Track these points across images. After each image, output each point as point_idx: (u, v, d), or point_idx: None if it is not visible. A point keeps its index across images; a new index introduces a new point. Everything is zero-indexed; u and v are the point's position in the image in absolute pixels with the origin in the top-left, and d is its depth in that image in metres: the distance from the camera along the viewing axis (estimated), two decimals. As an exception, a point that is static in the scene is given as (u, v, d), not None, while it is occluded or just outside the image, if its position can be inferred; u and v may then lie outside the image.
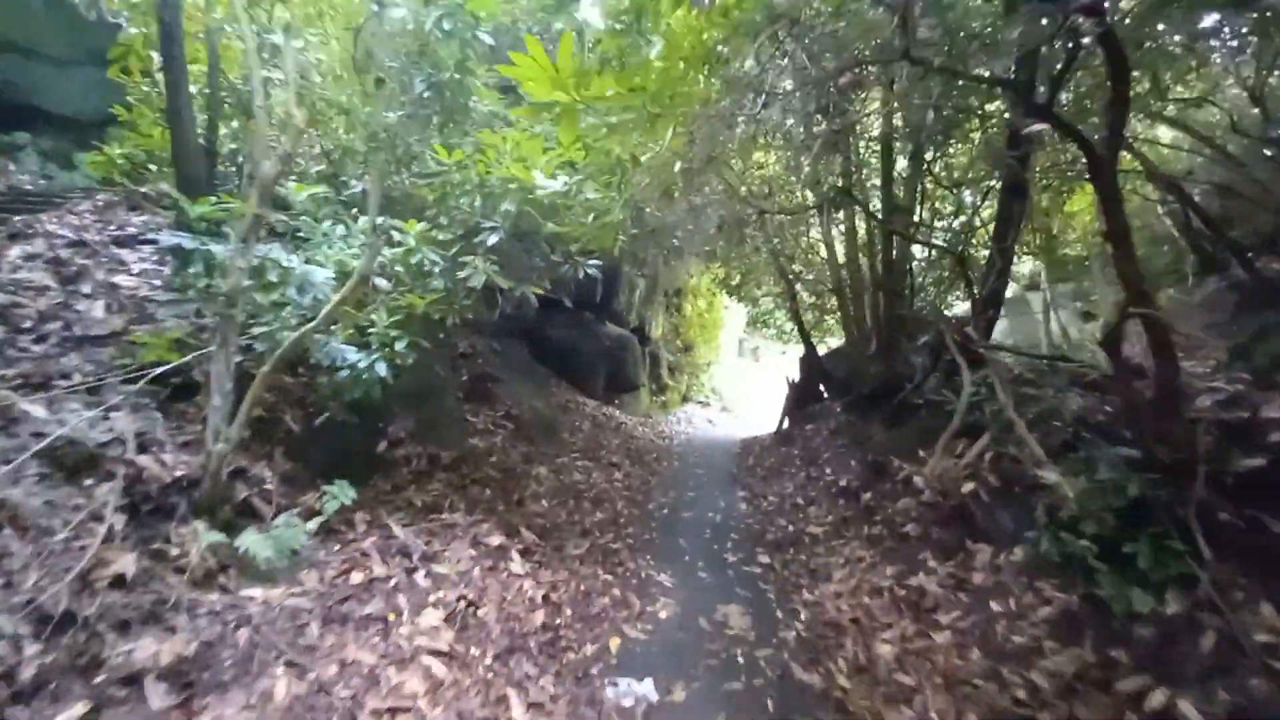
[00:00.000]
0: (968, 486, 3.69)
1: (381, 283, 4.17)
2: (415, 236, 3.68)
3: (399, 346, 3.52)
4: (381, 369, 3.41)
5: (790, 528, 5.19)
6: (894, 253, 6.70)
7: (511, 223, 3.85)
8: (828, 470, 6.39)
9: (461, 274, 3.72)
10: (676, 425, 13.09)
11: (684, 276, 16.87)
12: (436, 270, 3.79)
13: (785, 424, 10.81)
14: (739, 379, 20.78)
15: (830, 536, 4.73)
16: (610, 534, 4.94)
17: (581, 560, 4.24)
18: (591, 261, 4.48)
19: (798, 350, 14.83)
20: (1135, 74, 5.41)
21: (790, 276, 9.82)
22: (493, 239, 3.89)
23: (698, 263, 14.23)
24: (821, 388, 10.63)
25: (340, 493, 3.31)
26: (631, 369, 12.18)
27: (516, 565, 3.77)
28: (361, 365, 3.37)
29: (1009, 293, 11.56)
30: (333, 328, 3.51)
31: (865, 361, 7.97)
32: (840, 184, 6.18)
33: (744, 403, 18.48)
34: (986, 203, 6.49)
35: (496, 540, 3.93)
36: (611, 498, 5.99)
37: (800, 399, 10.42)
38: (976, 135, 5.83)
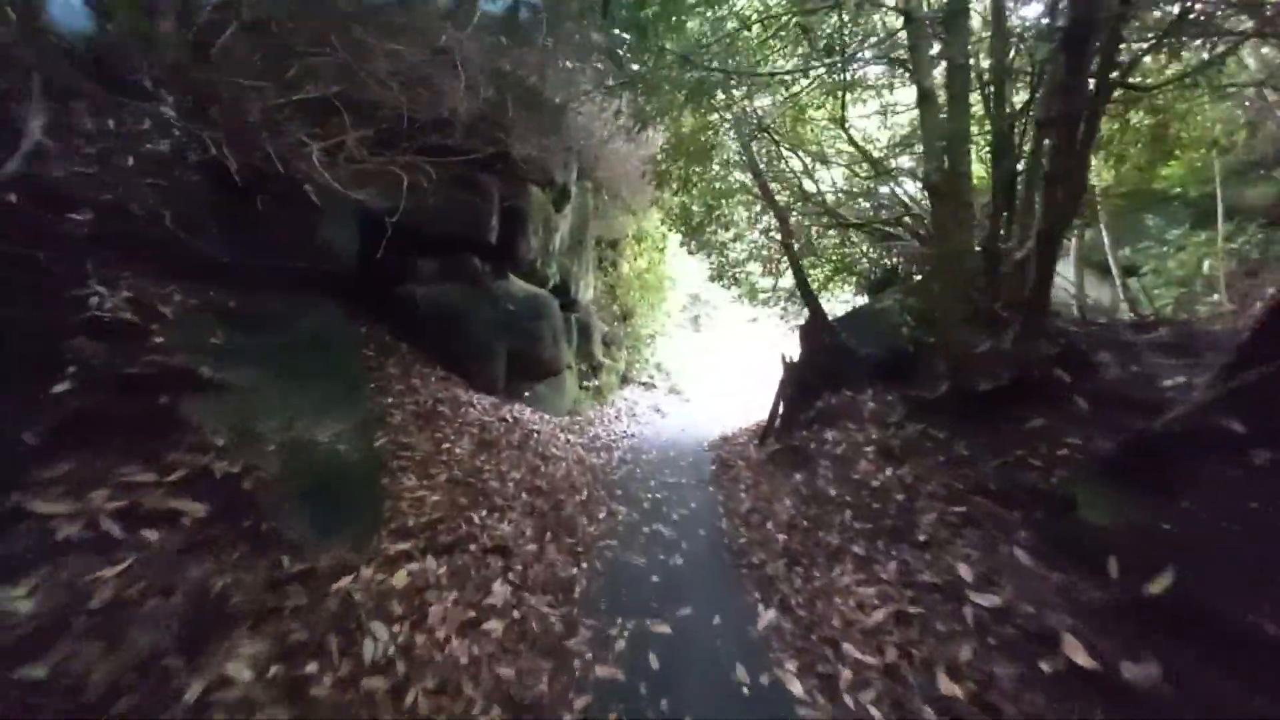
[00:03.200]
0: None
1: None
2: None
3: None
4: None
5: None
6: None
7: None
8: (966, 574, 2.87)
9: None
10: (616, 422, 9.34)
11: (623, 222, 12.90)
12: None
13: (778, 422, 7.35)
14: (687, 352, 17.28)
15: None
16: None
17: None
18: None
19: (770, 315, 11.41)
20: None
21: (793, 198, 6.13)
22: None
23: (644, 196, 10.31)
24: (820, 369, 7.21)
25: None
26: (549, 346, 8.19)
27: None
28: None
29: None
30: None
31: (956, 329, 4.49)
32: None
33: (696, 381, 15.02)
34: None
35: None
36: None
37: (804, 386, 6.94)
38: None
